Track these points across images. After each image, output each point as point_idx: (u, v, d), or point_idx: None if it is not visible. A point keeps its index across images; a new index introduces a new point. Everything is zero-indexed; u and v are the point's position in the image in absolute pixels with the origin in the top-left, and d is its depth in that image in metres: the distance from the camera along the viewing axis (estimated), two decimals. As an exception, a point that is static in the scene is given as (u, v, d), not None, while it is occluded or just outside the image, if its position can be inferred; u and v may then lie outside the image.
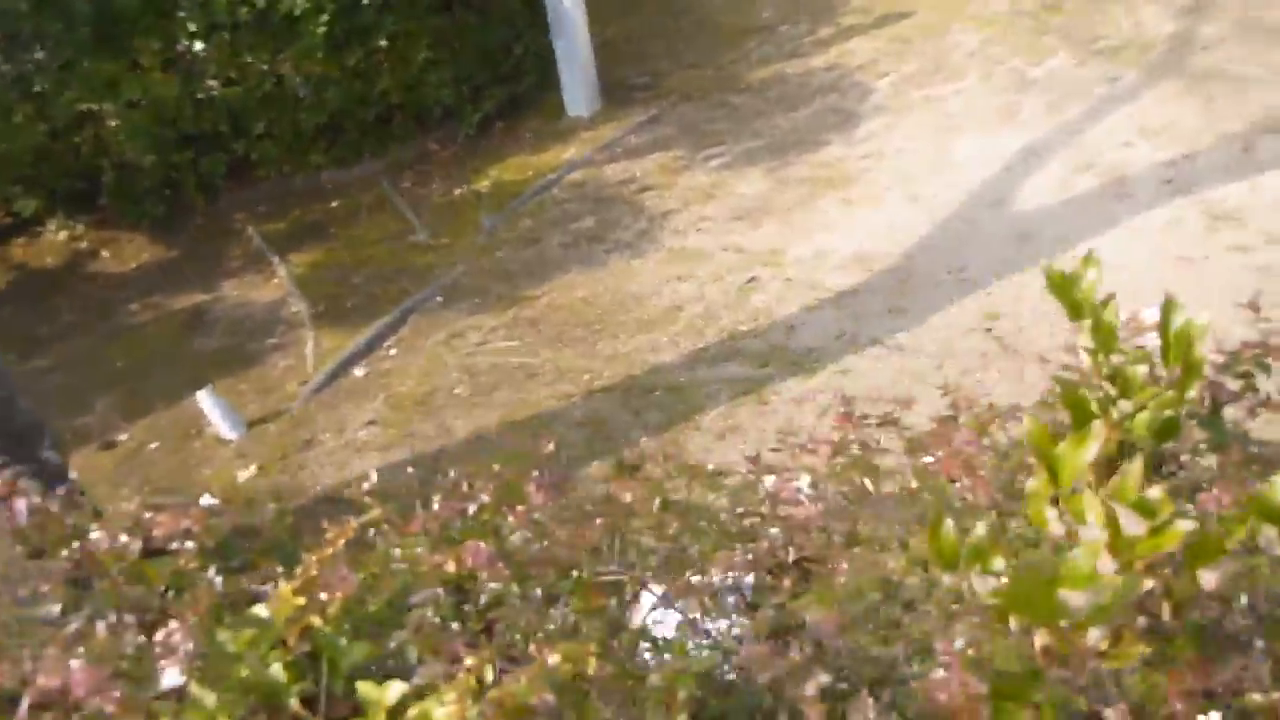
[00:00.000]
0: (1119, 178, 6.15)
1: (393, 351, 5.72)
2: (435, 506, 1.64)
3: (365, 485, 1.71)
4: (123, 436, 5.44)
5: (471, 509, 1.64)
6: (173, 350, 6.14)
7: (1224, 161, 6.02)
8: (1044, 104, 7.12)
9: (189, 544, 1.61)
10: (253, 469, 4.99)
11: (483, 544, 1.46)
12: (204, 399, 5.21)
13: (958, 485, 1.56)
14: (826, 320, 5.35)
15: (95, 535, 1.61)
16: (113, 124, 7.12)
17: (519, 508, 1.61)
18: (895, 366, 4.93)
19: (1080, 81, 7.36)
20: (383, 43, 7.22)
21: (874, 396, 4.82)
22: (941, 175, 6.46)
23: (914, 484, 1.62)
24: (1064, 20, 8.38)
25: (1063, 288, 1.58)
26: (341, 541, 1.44)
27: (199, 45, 6.98)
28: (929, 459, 1.64)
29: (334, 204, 7.44)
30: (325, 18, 6.92)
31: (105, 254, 7.27)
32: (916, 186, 6.39)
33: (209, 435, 5.31)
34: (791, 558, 1.53)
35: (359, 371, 5.59)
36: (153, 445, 5.33)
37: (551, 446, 1.97)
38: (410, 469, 4.80)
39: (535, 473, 1.68)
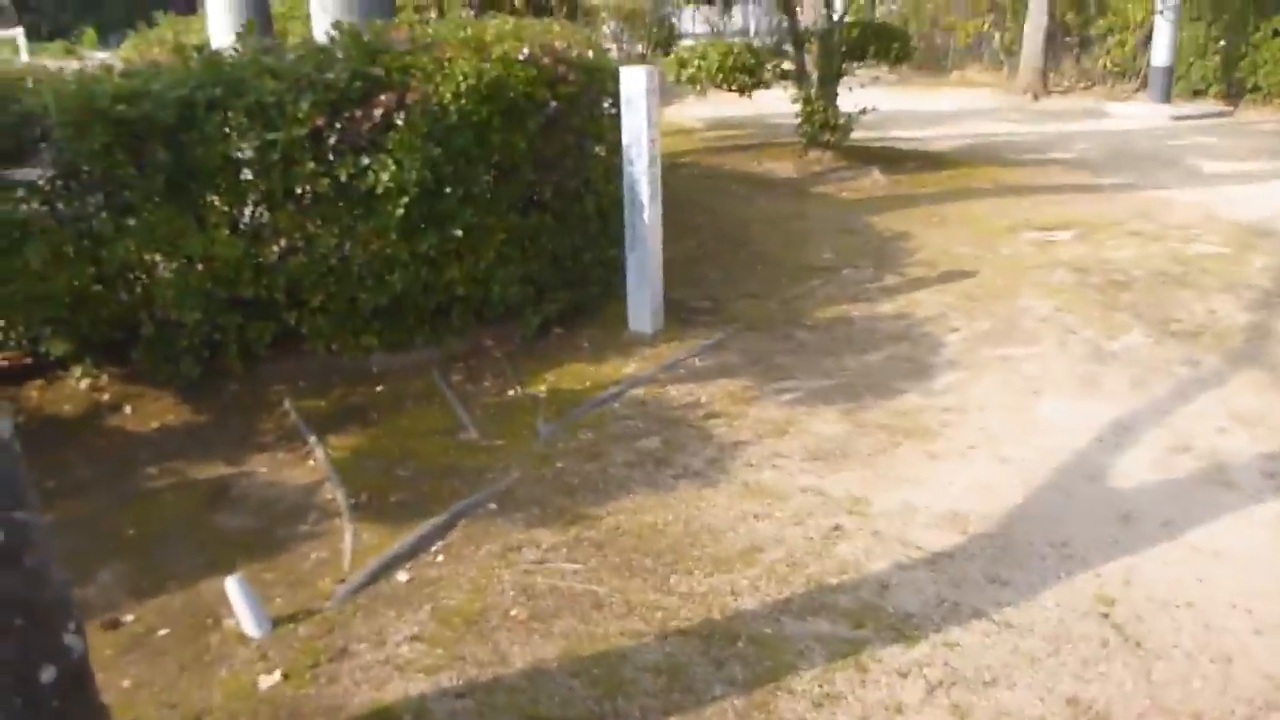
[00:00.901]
0: (1218, 464, 5.86)
1: (440, 558, 5.19)
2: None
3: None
4: (129, 617, 4.83)
5: None
6: (191, 525, 5.58)
7: (1333, 463, 5.74)
8: (1127, 379, 6.92)
9: None
10: (277, 676, 4.37)
11: None
12: (233, 588, 4.64)
13: None
14: (922, 583, 4.89)
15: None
16: (165, 278, 6.81)
17: None
18: (1007, 646, 4.44)
19: (1160, 361, 7.20)
20: (457, 232, 7.02)
21: (986, 680, 4.34)
22: (1029, 439, 6.16)
23: None
24: (1134, 298, 8.33)
25: None
26: None
27: (268, 212, 6.76)
28: None
29: (379, 389, 7.05)
30: (406, 200, 6.73)
31: (128, 409, 6.80)
32: (1004, 448, 6.07)
33: (229, 629, 4.70)
34: None
35: (402, 576, 5.04)
36: (162, 631, 4.71)
37: None
38: (461, 698, 4.21)
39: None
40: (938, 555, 5.10)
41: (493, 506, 5.62)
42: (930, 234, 10.06)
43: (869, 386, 6.92)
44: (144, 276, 6.89)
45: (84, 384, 6.96)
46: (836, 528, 5.34)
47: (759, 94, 14.83)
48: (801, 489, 5.70)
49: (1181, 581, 4.85)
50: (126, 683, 4.39)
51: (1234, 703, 4.11)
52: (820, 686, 4.24)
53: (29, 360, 7.22)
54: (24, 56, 21.82)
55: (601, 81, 7.95)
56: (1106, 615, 4.64)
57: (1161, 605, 4.69)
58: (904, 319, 8.03)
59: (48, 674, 3.25)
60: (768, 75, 14.27)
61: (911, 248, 9.70)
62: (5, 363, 7.26)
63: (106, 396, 6.94)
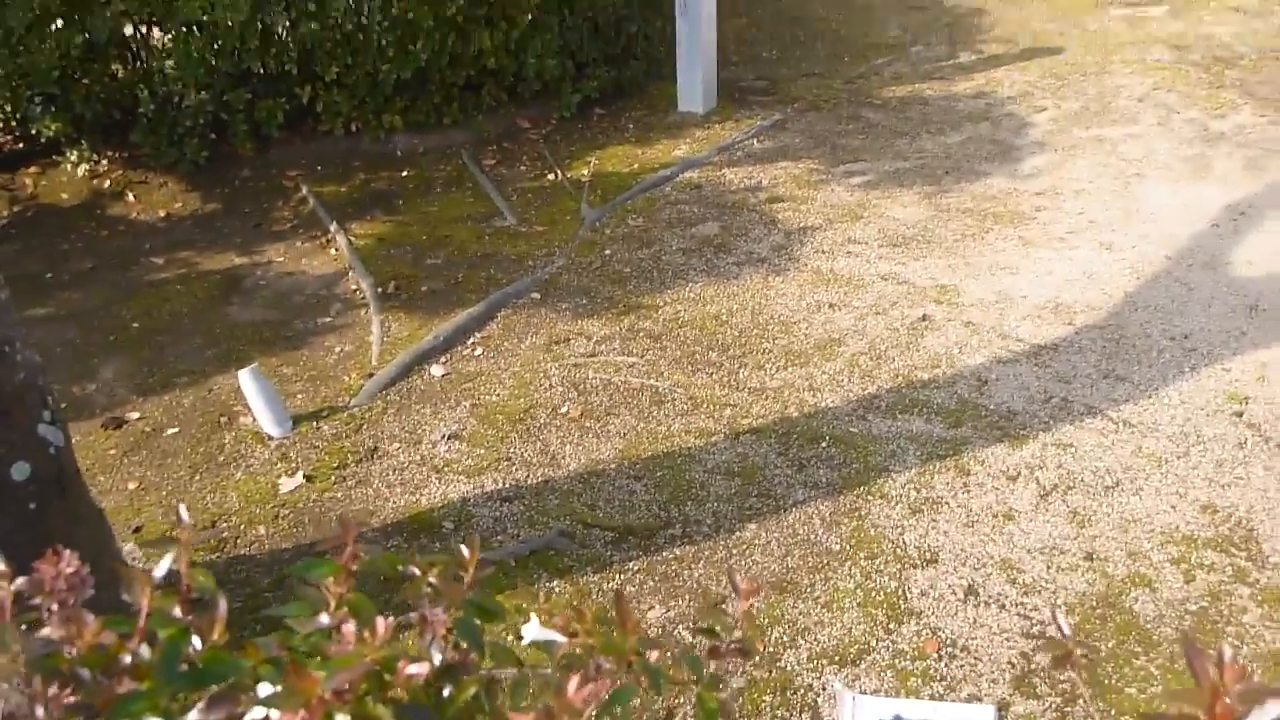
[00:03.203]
0: (1355, 252, 5.15)
1: (479, 351, 4.63)
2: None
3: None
4: (134, 415, 4.33)
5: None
6: (202, 318, 5.03)
7: None
8: (1240, 160, 6.13)
9: None
10: (299, 478, 3.87)
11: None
12: (247, 381, 4.10)
13: None
14: (1026, 378, 4.29)
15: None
16: (162, 47, 6.07)
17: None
18: (1129, 447, 3.87)
19: (1276, 141, 6.38)
20: (487, -6, 6.19)
21: (1107, 484, 3.79)
22: (1134, 225, 5.45)
23: None
24: (1241, 75, 7.43)
25: None
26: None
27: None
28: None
29: (405, 173, 6.36)
30: (428, -45, 5.89)
31: (130, 197, 6.17)
32: (1107, 234, 5.37)
33: (244, 428, 4.20)
34: None
35: (436, 370, 4.49)
36: (170, 430, 4.22)
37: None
38: (507, 502, 3.71)
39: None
40: (1041, 348, 4.49)
41: (535, 296, 5.02)
42: (1006, 9, 9.05)
43: (950, 169, 6.17)
44: (139, 47, 6.15)
45: (82, 169, 6.31)
46: (924, 318, 4.72)
47: None
48: (881, 276, 5.06)
49: (1328, 376, 4.23)
50: (132, 485, 3.91)
51: (1403, 510, 3.55)
52: (917, 491, 3.70)
53: (21, 146, 6.57)
54: None
55: None
56: (1240, 414, 4.05)
57: (1304, 404, 4.09)
58: (983, 98, 7.19)
59: (20, 471, 2.72)
60: None
61: (987, 23, 8.73)
62: (-4, 147, 6.62)
63: (107, 184, 6.31)
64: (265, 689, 0.72)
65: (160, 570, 0.81)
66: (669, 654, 0.88)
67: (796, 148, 6.54)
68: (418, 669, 0.75)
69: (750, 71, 7.89)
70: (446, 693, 0.76)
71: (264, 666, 0.74)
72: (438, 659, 0.78)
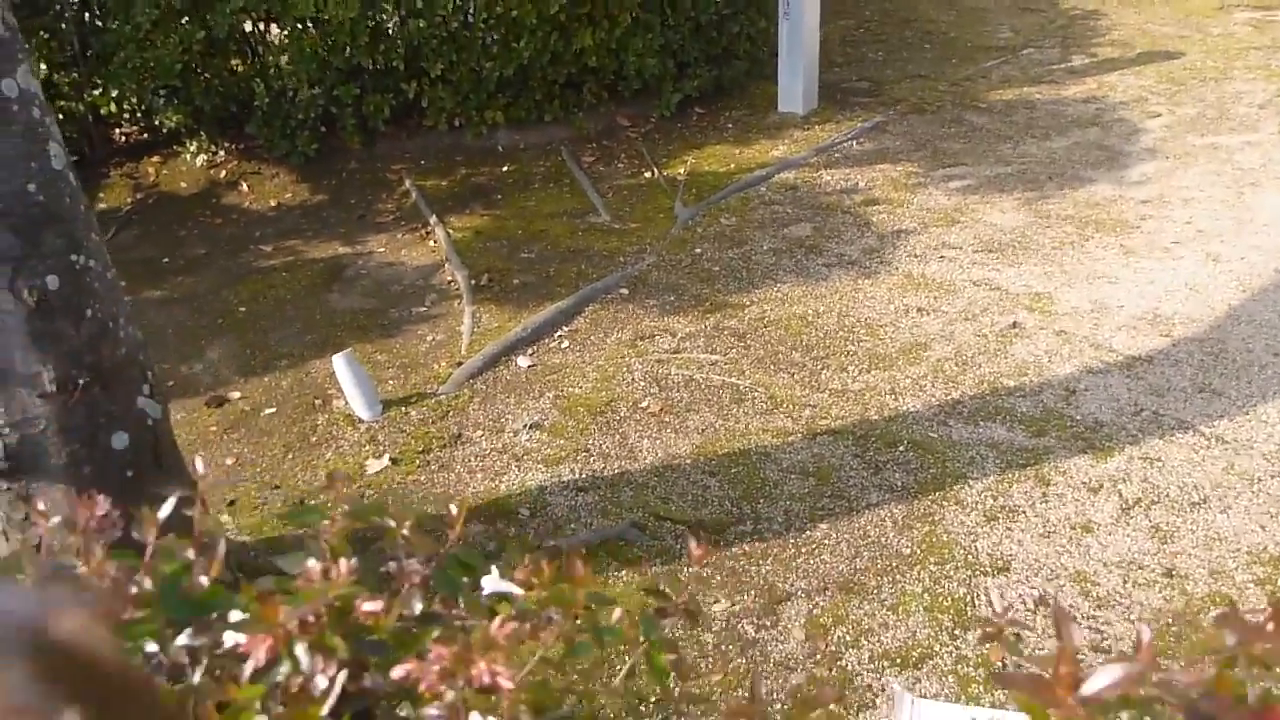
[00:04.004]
0: None
1: (565, 344, 4.71)
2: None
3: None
4: (235, 395, 4.53)
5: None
6: (304, 304, 5.23)
7: None
8: (1365, 172, 5.87)
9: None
10: (385, 460, 4.01)
11: None
12: (340, 365, 4.25)
13: None
14: (1116, 389, 4.19)
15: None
16: (277, 43, 6.31)
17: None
18: (1219, 464, 3.76)
19: (1407, 153, 6.09)
20: (590, -7, 6.28)
21: (1194, 500, 3.69)
22: (1244, 236, 5.27)
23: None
24: (1373, 83, 7.09)
25: None
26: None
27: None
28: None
29: (505, 168, 6.50)
30: (532, -46, 6.00)
31: (244, 187, 6.43)
32: (1214, 245, 5.20)
33: (337, 410, 4.35)
34: None
35: (523, 361, 4.59)
36: (269, 411, 4.40)
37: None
38: (583, 492, 3.78)
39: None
40: (1135, 360, 4.38)
41: (624, 291, 5.08)
42: (1125, 13, 8.81)
43: (1053, 175, 6.05)
44: (256, 43, 6.41)
45: (200, 159, 6.60)
46: (1014, 325, 4.64)
47: None
48: (973, 282, 4.99)
49: None
50: (230, 460, 4.10)
51: None
52: (994, 499, 3.65)
53: (145, 136, 6.90)
54: None
55: None
56: (1344, 434, 3.89)
57: None
58: (1094, 103, 7.02)
59: (119, 440, 2.89)
60: None
61: (1103, 26, 8.51)
62: (123, 137, 6.96)
63: (223, 174, 6.58)
64: (236, 615, 0.79)
65: (164, 512, 0.89)
66: (628, 612, 0.92)
67: (896, 150, 6.48)
68: (373, 606, 0.80)
69: (854, 73, 7.84)
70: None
71: (253, 603, 0.80)
72: (418, 608, 0.84)
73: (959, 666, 2.99)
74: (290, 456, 4.10)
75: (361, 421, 4.26)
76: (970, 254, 5.25)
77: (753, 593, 3.30)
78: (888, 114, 7.01)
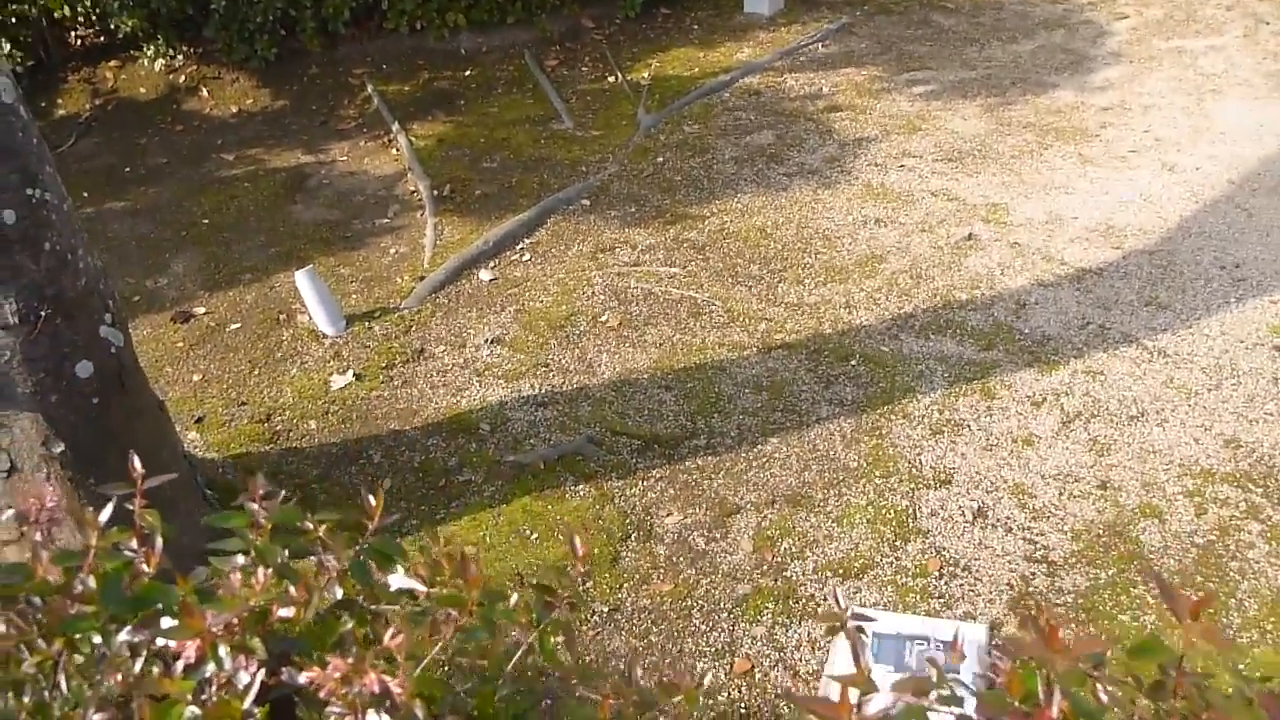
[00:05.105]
0: None
1: (526, 256, 4.76)
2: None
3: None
4: (200, 310, 4.57)
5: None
6: (267, 214, 5.23)
7: None
8: (1326, 78, 5.90)
9: None
10: (350, 376, 4.09)
11: None
12: (303, 281, 4.30)
13: None
14: (1065, 303, 4.30)
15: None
16: (232, -58, 6.18)
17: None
18: (1159, 377, 3.89)
19: (1369, 57, 6.11)
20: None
21: (1132, 414, 3.82)
22: (1203, 145, 5.32)
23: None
24: (1341, -17, 7.06)
25: None
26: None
27: None
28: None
29: (468, 72, 6.44)
30: None
31: (204, 93, 6.36)
32: (1172, 154, 5.26)
33: (301, 325, 4.41)
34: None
35: (485, 275, 4.65)
36: (234, 326, 4.45)
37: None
38: (542, 408, 3.88)
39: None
40: (1085, 272, 4.47)
41: (585, 203, 5.12)
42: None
43: (1017, 80, 6.06)
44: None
45: (158, 64, 6.50)
46: (969, 237, 4.72)
47: None
48: (931, 193, 5.05)
49: (1377, 311, 4.17)
50: (196, 377, 4.17)
51: None
52: (940, 412, 3.78)
53: (102, 40, 6.77)
54: None
55: None
56: (1281, 347, 4.02)
57: (1348, 337, 4.04)
58: (1061, 3, 6.98)
59: (84, 369, 2.95)
60: None
61: (1076, -78, 8.40)
62: (79, 40, 6.83)
63: (183, 79, 6.50)
64: (167, 622, 0.88)
65: (104, 516, 0.97)
66: (523, 600, 1.02)
67: (861, 53, 6.46)
68: (287, 612, 0.89)
69: (823, -29, 7.73)
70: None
71: (192, 596, 0.89)
72: (339, 594, 0.94)
73: (898, 577, 3.15)
74: (256, 372, 4.17)
75: (325, 337, 4.33)
76: (930, 163, 5.29)
77: (704, 506, 3.43)
78: (854, 15, 6.95)
